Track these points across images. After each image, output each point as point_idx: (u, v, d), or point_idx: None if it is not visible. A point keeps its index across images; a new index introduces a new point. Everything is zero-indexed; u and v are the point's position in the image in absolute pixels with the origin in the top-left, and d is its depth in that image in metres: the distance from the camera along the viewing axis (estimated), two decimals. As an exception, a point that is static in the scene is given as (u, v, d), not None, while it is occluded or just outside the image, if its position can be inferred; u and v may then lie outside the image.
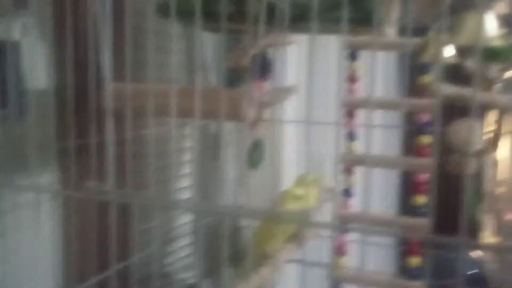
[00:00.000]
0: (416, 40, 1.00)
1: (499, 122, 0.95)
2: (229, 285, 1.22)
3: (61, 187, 0.62)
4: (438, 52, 0.59)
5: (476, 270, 2.20)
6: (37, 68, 0.75)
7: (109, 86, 0.60)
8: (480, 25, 0.57)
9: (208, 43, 1.10)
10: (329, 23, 0.58)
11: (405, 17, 0.73)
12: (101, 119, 0.66)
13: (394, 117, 1.42)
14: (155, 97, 0.58)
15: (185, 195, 1.23)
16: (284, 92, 0.90)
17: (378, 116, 1.45)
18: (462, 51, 0.62)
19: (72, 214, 0.70)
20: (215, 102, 0.54)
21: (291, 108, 1.28)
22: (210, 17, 0.61)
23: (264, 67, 0.91)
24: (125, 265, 0.88)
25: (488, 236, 2.91)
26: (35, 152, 0.64)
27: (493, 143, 0.98)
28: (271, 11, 0.57)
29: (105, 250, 0.71)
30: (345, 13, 0.52)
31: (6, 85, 0.69)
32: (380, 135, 1.35)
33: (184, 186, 1.21)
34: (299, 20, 0.60)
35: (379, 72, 1.53)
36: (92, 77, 0.62)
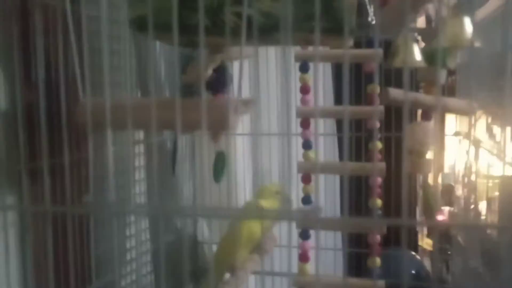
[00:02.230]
0: (366, 51, 1.06)
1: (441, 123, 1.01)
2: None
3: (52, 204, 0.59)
4: (408, 57, 0.63)
5: (418, 269, 2.31)
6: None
7: (85, 102, 0.59)
8: (462, 27, 0.62)
9: (161, 57, 1.10)
10: (301, 34, 0.60)
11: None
12: (71, 137, 0.65)
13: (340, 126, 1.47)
14: (133, 110, 0.58)
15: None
16: (245, 105, 0.92)
17: (327, 125, 1.51)
18: (431, 55, 0.66)
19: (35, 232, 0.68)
20: (198, 112, 0.55)
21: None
22: (185, 31, 0.62)
23: (223, 81, 0.92)
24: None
25: (422, 239, 3.07)
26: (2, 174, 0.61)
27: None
28: (246, 23, 0.58)
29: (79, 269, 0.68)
30: (321, 23, 0.54)
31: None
32: (330, 143, 1.41)
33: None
34: (272, 32, 0.62)
35: (327, 82, 1.59)
36: (63, 94, 0.60)
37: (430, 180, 1.01)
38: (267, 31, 0.62)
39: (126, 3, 0.70)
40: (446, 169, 3.00)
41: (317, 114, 0.82)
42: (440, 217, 2.89)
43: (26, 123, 0.65)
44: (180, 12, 0.58)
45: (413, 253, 2.52)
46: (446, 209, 2.83)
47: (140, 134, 1.16)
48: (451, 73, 1.04)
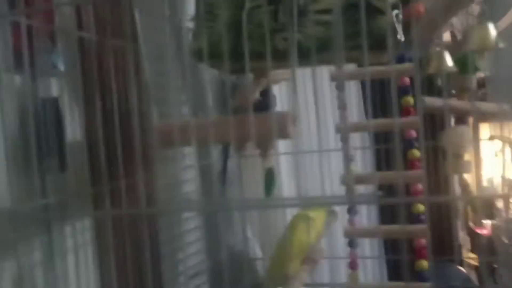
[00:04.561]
0: (400, 66, 1.12)
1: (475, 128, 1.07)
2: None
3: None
4: (441, 64, 0.69)
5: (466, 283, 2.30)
6: (73, 122, 0.82)
7: (156, 125, 0.67)
8: (487, 32, 0.68)
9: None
10: (347, 52, 0.67)
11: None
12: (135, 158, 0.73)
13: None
14: (198, 130, 0.66)
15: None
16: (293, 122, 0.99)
17: (364, 139, 1.57)
18: (462, 61, 0.73)
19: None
20: (263, 125, 0.62)
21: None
22: (238, 58, 0.70)
23: (269, 102, 1.00)
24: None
25: (465, 253, 3.04)
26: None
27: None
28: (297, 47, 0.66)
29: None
30: (364, 41, 0.61)
31: (48, 139, 0.74)
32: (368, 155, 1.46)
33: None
34: (320, 53, 0.69)
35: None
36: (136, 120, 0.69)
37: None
38: (313, 53, 0.69)
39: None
40: (485, 183, 2.99)
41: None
42: (483, 231, 2.85)
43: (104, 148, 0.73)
44: (236, 41, 0.67)
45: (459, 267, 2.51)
46: (488, 222, 2.81)
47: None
48: (480, 86, 1.09)
